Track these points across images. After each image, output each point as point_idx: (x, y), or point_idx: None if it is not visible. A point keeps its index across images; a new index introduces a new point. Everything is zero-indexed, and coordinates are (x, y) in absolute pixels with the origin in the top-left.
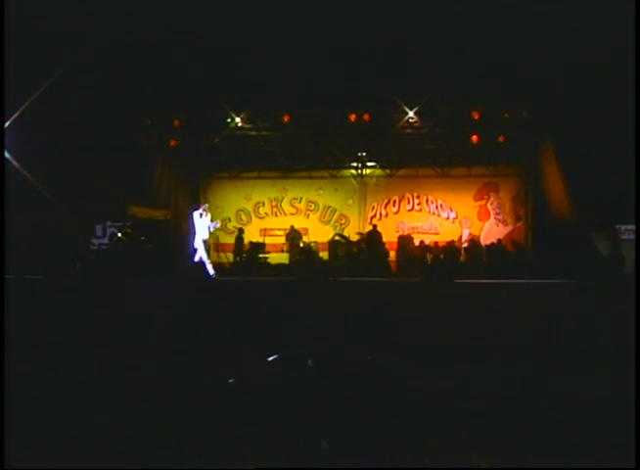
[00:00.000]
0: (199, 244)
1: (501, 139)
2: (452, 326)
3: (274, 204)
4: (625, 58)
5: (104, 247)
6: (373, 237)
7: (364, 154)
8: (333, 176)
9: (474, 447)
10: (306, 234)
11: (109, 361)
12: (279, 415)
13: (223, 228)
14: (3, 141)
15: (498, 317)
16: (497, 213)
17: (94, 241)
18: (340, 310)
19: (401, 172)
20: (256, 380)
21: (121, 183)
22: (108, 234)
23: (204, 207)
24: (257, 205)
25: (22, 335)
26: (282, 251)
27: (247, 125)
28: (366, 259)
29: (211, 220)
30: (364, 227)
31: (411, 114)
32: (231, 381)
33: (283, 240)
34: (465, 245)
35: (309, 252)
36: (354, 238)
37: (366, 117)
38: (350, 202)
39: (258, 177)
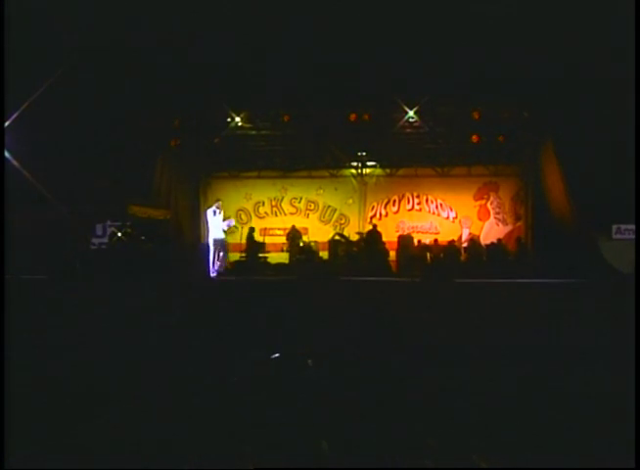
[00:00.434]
0: (211, 242)
1: (501, 139)
2: (452, 326)
3: (274, 203)
4: (625, 58)
5: (104, 246)
6: (373, 237)
7: (364, 153)
8: (333, 176)
9: (474, 447)
10: (306, 234)
11: (109, 361)
12: (279, 415)
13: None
14: (3, 141)
15: (498, 317)
16: (497, 213)
17: (94, 240)
18: (340, 310)
19: (401, 172)
20: (256, 380)
21: (121, 183)
22: (108, 234)
23: (217, 204)
24: (257, 204)
25: (22, 335)
26: (282, 250)
27: (246, 125)
28: (366, 259)
29: (224, 219)
30: (364, 227)
31: (411, 113)
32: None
33: (283, 240)
34: (465, 244)
35: (309, 251)
36: (354, 238)
37: (366, 116)
38: (350, 201)
39: (258, 177)
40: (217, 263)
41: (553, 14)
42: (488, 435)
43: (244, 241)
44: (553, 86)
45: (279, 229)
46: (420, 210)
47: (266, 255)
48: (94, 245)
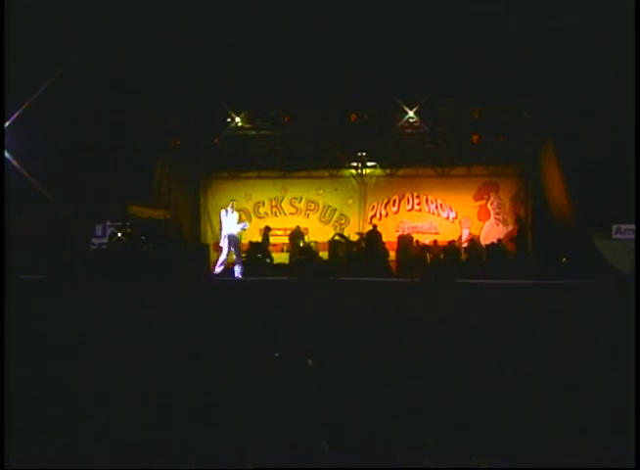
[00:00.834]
0: (223, 242)
1: (501, 139)
2: (452, 326)
3: (274, 203)
4: (625, 58)
5: (104, 246)
6: (373, 237)
7: (364, 153)
8: (333, 176)
9: (474, 447)
10: (306, 234)
11: (109, 361)
12: (279, 415)
13: None
14: (3, 141)
15: (498, 317)
16: (497, 213)
17: (94, 241)
18: (340, 310)
19: (401, 172)
20: (256, 380)
21: (121, 183)
22: (108, 234)
23: (231, 204)
24: (257, 204)
25: (22, 335)
26: (282, 250)
27: (247, 125)
28: (366, 259)
29: (239, 220)
30: (364, 227)
31: (411, 113)
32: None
33: (283, 240)
34: (465, 244)
35: (309, 251)
36: (354, 238)
37: (366, 116)
38: (350, 201)
39: (258, 177)
40: (222, 259)
41: (553, 14)
42: (488, 435)
43: (245, 241)
44: (553, 86)
45: (279, 229)
46: (420, 210)
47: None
48: (94, 245)
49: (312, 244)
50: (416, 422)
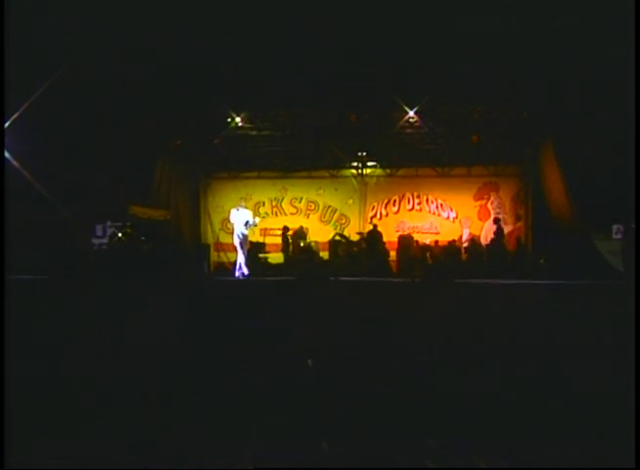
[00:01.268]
0: (236, 241)
1: (501, 139)
2: (452, 326)
3: (274, 204)
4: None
5: (104, 247)
6: (373, 237)
7: (364, 153)
8: (333, 176)
9: (474, 448)
10: (307, 234)
11: (109, 361)
12: (279, 415)
13: (223, 228)
14: (3, 141)
15: (498, 317)
16: (497, 213)
17: (94, 241)
18: (340, 310)
19: (401, 172)
20: (256, 380)
21: (121, 183)
22: (108, 234)
23: (240, 201)
24: (257, 205)
25: (23, 335)
26: (282, 250)
27: (247, 125)
28: (366, 259)
29: (252, 216)
30: (364, 227)
31: (411, 113)
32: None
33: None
34: (465, 245)
35: (310, 251)
36: (355, 238)
37: (366, 117)
38: (350, 201)
39: (258, 177)
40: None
41: (553, 14)
42: (488, 435)
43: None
44: (553, 86)
45: (279, 229)
46: (420, 210)
47: (266, 255)
48: (94, 246)
49: (312, 244)
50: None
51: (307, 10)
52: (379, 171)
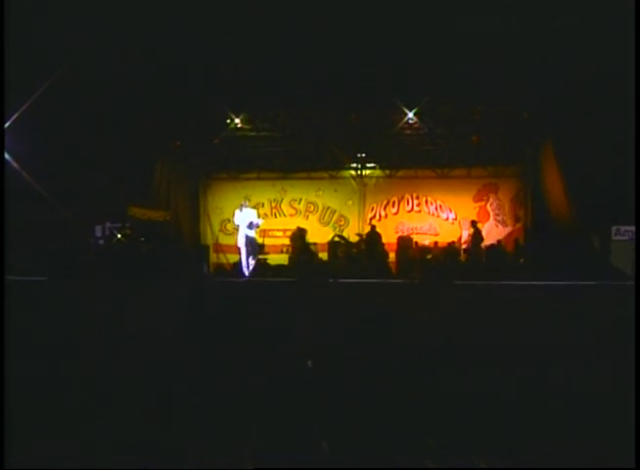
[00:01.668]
0: (240, 242)
1: (500, 140)
2: (452, 326)
3: (273, 205)
4: (625, 57)
5: (103, 248)
6: (372, 238)
7: (364, 154)
8: (332, 177)
9: (474, 448)
10: (306, 235)
11: (109, 361)
12: (279, 415)
13: (222, 229)
14: (3, 141)
15: (498, 318)
16: (497, 214)
17: (93, 242)
18: (339, 311)
19: (401, 173)
20: (256, 380)
21: (121, 184)
22: (107, 235)
23: (244, 201)
24: (257, 206)
25: (23, 335)
26: (281, 251)
27: (246, 126)
28: (365, 260)
29: (257, 217)
30: (363, 228)
31: (411, 114)
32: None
33: (282, 241)
34: (464, 246)
35: (309, 252)
36: (354, 239)
37: (365, 117)
38: (350, 203)
39: (258, 178)
40: (251, 262)
41: (553, 14)
42: (488, 435)
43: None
44: (553, 86)
45: (278, 230)
46: (419, 211)
47: (266, 256)
48: (93, 246)
49: (312, 245)
50: (416, 422)
51: (307, 10)
52: (378, 172)
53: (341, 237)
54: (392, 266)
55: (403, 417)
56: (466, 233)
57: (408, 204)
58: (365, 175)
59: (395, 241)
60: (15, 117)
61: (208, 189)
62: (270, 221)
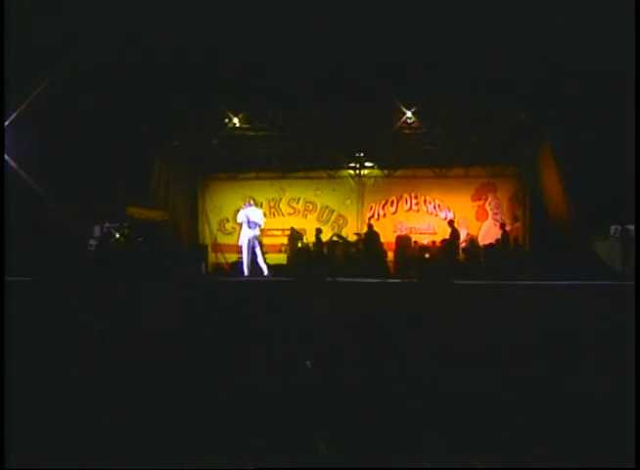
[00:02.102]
0: (242, 241)
1: (499, 139)
2: (451, 326)
3: (272, 204)
4: (625, 58)
5: (102, 247)
6: (371, 237)
7: (362, 154)
8: (331, 177)
9: (473, 448)
10: (304, 234)
11: (109, 361)
12: (279, 415)
13: (221, 229)
14: (3, 141)
15: (497, 317)
16: (495, 214)
17: (92, 241)
18: (339, 311)
19: (399, 173)
20: (256, 380)
21: (119, 184)
22: (106, 235)
23: (249, 200)
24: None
25: (23, 335)
26: (280, 251)
27: (245, 126)
28: (364, 260)
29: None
30: (362, 227)
31: (409, 114)
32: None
33: (280, 240)
34: (463, 245)
35: (307, 252)
36: (352, 238)
37: (364, 117)
38: (348, 202)
39: (256, 178)
40: (262, 263)
41: (552, 14)
42: (488, 435)
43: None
44: (552, 86)
45: (277, 230)
46: (418, 210)
47: (265, 256)
48: (91, 247)
49: (310, 245)
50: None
51: (307, 10)
52: (376, 172)
53: (339, 236)
54: (391, 266)
55: (403, 417)
56: (464, 232)
57: (407, 203)
58: (364, 175)
59: (394, 240)
60: (14, 116)
61: (207, 189)
62: (269, 221)
